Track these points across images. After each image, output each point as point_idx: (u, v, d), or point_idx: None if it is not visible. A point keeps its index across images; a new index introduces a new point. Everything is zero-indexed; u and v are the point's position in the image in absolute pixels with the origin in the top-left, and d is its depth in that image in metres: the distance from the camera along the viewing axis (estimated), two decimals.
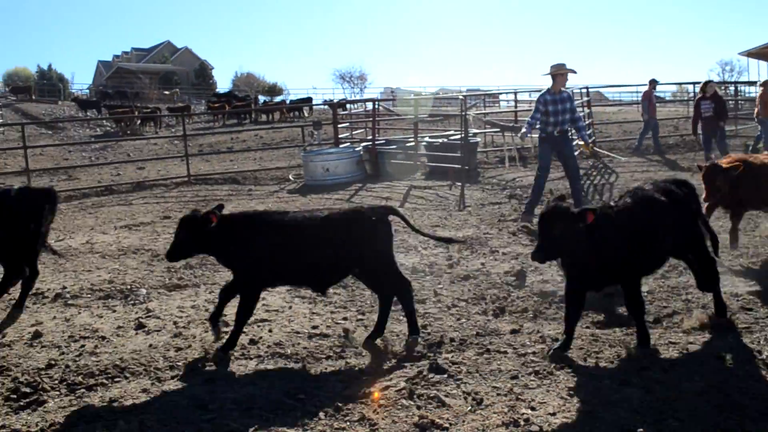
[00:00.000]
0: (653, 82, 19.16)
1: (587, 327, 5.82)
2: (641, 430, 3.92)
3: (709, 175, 7.48)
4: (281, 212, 5.74)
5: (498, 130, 17.70)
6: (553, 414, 4.19)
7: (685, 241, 5.57)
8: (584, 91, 19.96)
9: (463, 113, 15.25)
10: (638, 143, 18.79)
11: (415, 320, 5.57)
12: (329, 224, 5.38)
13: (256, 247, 5.36)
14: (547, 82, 10.35)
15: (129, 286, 7.46)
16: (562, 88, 10.06)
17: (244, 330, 5.86)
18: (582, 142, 10.77)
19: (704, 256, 5.68)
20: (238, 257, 5.42)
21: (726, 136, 14.83)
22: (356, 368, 5.04)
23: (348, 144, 18.45)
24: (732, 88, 32.04)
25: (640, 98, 20.33)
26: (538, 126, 10.21)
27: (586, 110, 19.53)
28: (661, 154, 17.99)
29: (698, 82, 16.83)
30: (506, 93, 37.08)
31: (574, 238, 4.79)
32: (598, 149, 10.83)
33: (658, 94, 20.93)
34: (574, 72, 10.10)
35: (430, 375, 4.79)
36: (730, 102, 24.45)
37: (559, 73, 9.94)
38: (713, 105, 13.73)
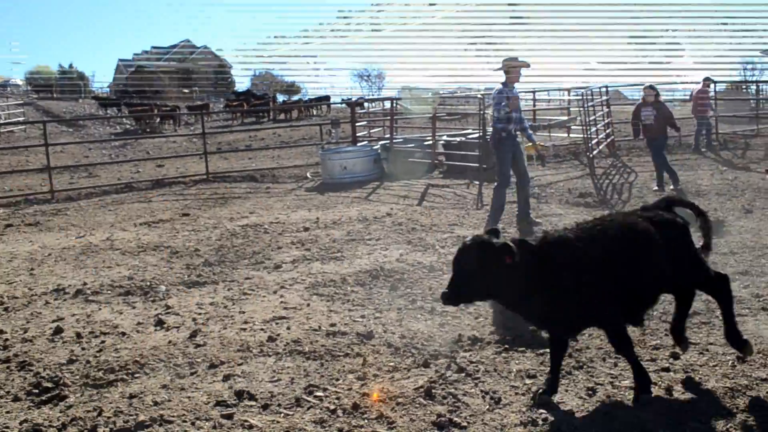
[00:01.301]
0: (708, 80, 18.75)
1: None
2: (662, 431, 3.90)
3: None
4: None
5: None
6: (572, 414, 4.17)
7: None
8: (603, 89, 19.81)
9: (481, 112, 15.20)
10: (696, 142, 18.38)
11: None
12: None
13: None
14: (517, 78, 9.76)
15: (148, 283, 7.52)
16: (516, 84, 9.69)
17: (262, 327, 5.90)
18: (530, 143, 10.34)
19: None
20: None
21: (665, 147, 13.79)
22: (374, 366, 5.05)
23: (365, 142, 18.48)
24: (753, 87, 31.73)
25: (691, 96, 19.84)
26: (499, 125, 9.60)
27: (605, 109, 19.39)
28: (699, 152, 17.83)
29: (726, 81, 16.65)
30: (524, 92, 36.84)
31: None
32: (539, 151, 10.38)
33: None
34: (528, 65, 9.71)
35: (448, 373, 4.79)
36: (752, 102, 24.18)
37: (512, 66, 9.54)
38: (654, 113, 13.07)
